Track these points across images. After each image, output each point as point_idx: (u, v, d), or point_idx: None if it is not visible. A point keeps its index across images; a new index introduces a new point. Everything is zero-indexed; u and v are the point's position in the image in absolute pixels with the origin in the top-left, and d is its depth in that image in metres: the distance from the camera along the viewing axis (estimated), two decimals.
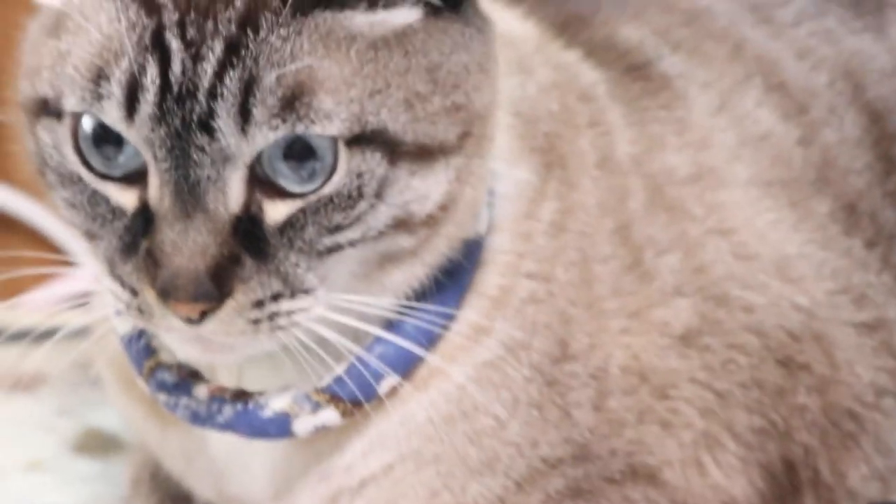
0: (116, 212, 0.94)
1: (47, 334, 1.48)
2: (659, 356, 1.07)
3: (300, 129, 0.90)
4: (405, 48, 0.94)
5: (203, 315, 0.92)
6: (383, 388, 1.01)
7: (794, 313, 1.12)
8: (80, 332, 1.45)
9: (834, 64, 1.23)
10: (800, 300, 1.12)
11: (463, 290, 1.03)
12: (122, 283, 0.94)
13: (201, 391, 1.04)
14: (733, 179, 1.14)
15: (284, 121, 0.90)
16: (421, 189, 0.94)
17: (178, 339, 0.97)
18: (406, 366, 1.01)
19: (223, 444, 1.08)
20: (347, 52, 0.92)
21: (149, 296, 0.92)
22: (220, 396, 1.03)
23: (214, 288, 0.91)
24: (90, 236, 0.96)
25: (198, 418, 1.03)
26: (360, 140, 0.92)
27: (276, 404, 1.02)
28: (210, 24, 0.90)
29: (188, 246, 0.90)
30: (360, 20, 0.93)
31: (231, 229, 0.91)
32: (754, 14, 1.25)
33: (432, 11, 0.96)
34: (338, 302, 0.95)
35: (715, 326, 1.09)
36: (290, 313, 0.94)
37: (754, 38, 1.23)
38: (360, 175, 0.92)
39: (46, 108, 0.95)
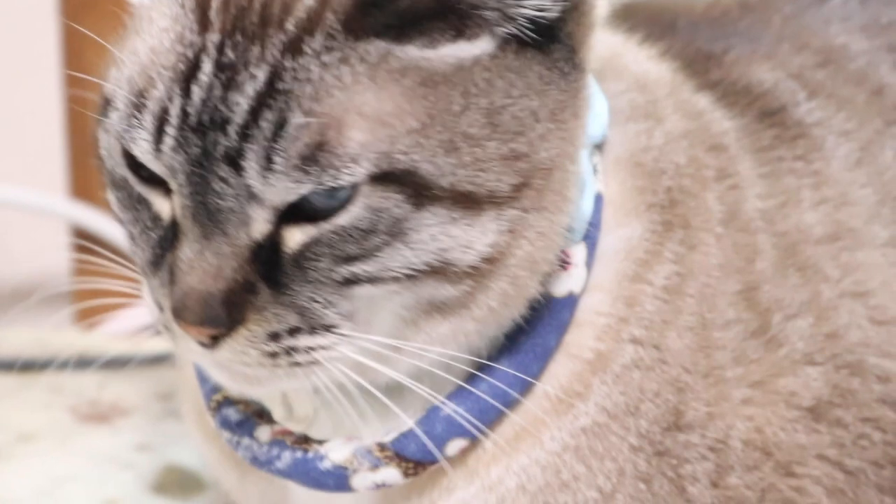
0: (156, 220, 0.91)
1: (127, 361, 1.45)
2: (785, 430, 1.01)
3: (326, 180, 0.85)
4: (465, 87, 0.89)
5: (215, 341, 0.88)
6: (451, 449, 0.96)
7: None
8: (165, 361, 1.41)
9: None
10: None
11: (547, 352, 0.97)
12: (153, 298, 0.92)
13: (264, 433, 0.99)
14: (871, 239, 1.08)
15: (308, 173, 0.85)
16: (461, 238, 0.88)
17: (205, 365, 0.94)
18: (482, 427, 0.96)
19: (307, 497, 1.02)
20: (393, 88, 0.87)
21: (167, 313, 0.89)
22: (282, 440, 0.99)
23: (225, 314, 0.87)
24: (133, 244, 0.93)
25: (257, 461, 0.99)
26: (387, 178, 0.86)
27: (336, 456, 0.97)
28: (256, 50, 0.86)
29: (202, 266, 0.87)
30: (418, 52, 0.88)
31: (250, 255, 0.88)
32: (893, 54, 1.18)
33: (512, 46, 0.90)
34: (370, 345, 0.90)
35: (848, 398, 1.03)
36: (308, 350, 0.90)
37: (894, 82, 1.16)
38: (376, 211, 0.87)
39: (107, 108, 0.92)
